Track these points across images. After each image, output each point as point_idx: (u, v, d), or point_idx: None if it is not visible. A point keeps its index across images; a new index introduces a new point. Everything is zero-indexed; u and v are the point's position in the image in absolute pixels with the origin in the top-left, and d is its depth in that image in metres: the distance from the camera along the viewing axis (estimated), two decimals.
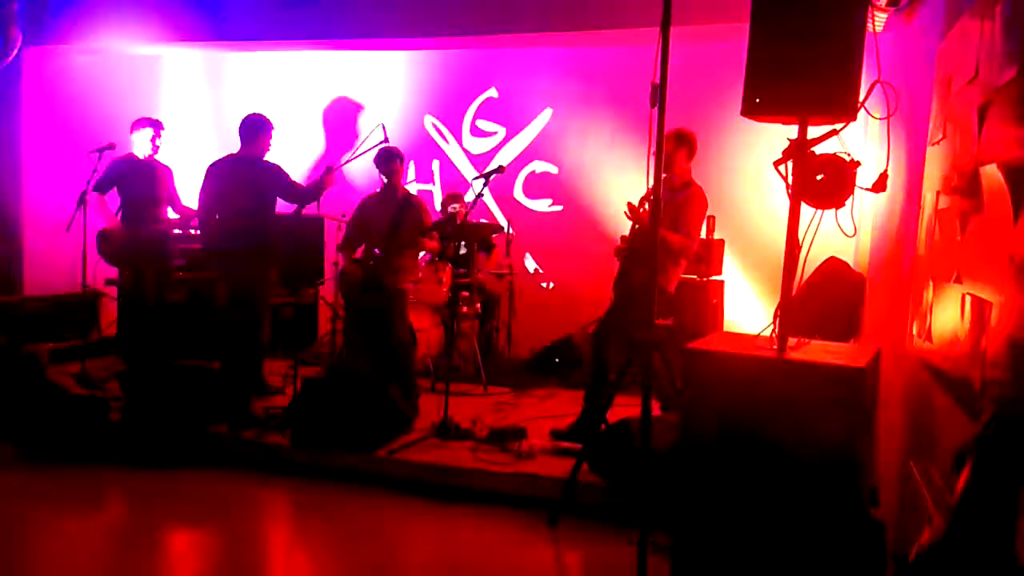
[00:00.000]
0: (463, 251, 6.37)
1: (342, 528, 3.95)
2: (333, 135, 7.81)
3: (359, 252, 5.50)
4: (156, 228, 5.84)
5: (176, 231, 6.16)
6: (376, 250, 5.30)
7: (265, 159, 5.15)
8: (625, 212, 4.49)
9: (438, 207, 7.57)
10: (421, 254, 5.90)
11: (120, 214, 5.78)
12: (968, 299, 2.07)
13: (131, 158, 5.80)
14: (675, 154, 4.55)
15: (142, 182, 5.76)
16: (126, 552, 3.75)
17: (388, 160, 5.28)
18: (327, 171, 5.17)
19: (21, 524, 3.99)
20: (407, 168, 7.68)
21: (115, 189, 5.75)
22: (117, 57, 7.55)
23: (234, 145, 5.15)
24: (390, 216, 5.26)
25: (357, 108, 7.83)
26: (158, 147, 5.85)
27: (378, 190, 5.42)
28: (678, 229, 4.45)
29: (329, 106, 7.91)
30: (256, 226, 5.04)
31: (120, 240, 5.72)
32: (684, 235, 4.46)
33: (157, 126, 5.84)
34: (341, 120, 7.82)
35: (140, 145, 5.80)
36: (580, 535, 3.82)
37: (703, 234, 6.15)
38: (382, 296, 5.20)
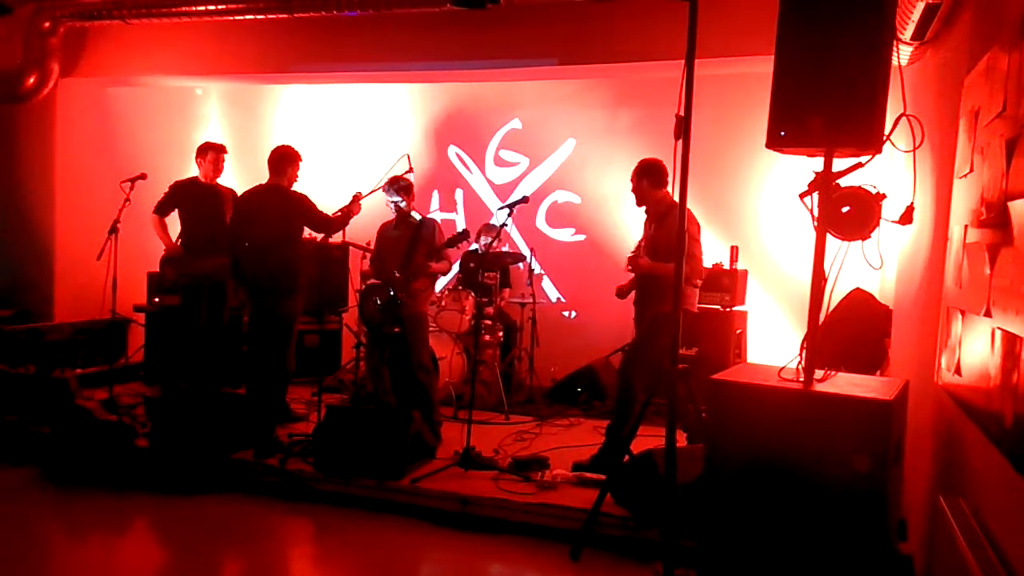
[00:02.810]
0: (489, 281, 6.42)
1: (364, 556, 3.95)
2: None
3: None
4: (222, 259, 5.92)
5: None
6: (394, 274, 5.36)
7: (293, 189, 5.24)
8: (626, 267, 4.67)
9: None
10: (444, 279, 5.93)
11: (182, 238, 5.91)
12: (999, 333, 2.05)
13: (193, 181, 5.95)
14: (639, 187, 4.65)
15: (201, 206, 5.89)
16: None
17: (395, 192, 5.33)
18: (353, 199, 5.23)
19: (45, 549, 4.03)
20: (430, 197, 7.79)
21: (177, 212, 5.90)
22: (149, 88, 7.72)
23: (264, 176, 5.24)
24: (406, 240, 5.33)
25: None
26: (220, 170, 5.98)
27: (395, 216, 5.49)
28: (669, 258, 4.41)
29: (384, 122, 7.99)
30: (283, 254, 5.11)
31: (183, 267, 5.84)
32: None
33: (220, 150, 5.98)
34: None
35: (204, 169, 5.93)
36: (603, 567, 3.79)
37: (727, 264, 6.20)
38: (401, 320, 5.26)
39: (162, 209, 5.87)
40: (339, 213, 5.20)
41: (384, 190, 5.33)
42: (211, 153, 5.93)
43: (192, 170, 6.03)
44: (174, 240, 5.98)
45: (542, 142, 7.51)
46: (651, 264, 4.54)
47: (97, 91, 7.59)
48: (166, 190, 5.91)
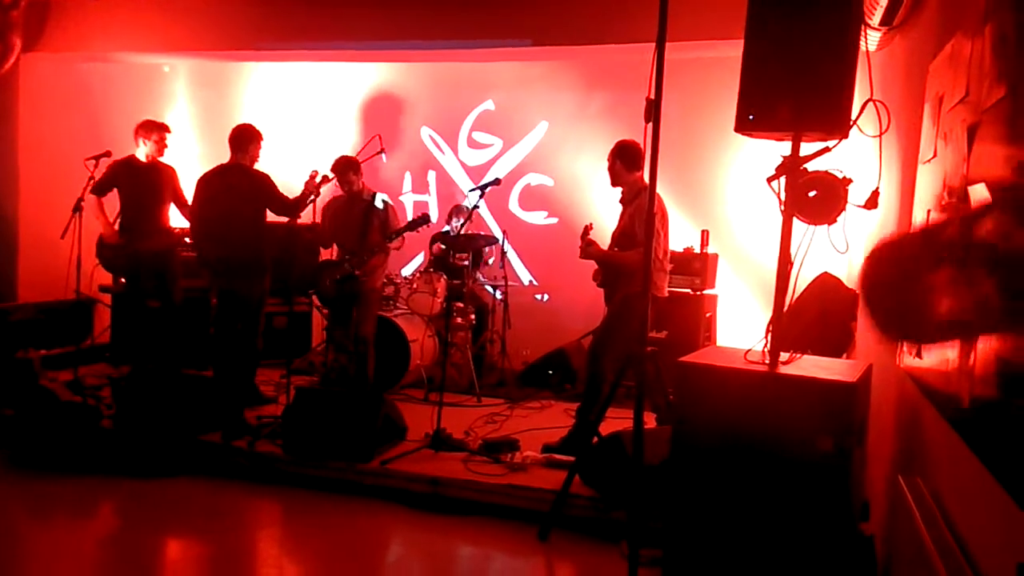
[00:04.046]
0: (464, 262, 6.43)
1: (333, 538, 3.95)
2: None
3: (333, 253, 5.62)
4: (159, 241, 5.81)
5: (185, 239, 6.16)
6: (348, 250, 5.39)
7: (255, 168, 5.18)
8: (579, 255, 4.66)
9: (435, 218, 7.61)
10: (414, 262, 5.95)
11: (119, 219, 5.78)
12: None
13: (131, 161, 5.77)
14: (613, 168, 4.65)
15: (142, 186, 5.75)
16: (114, 561, 3.74)
17: (343, 171, 5.37)
18: (310, 178, 5.17)
19: (9, 531, 3.98)
20: (402, 178, 7.75)
21: (116, 192, 5.76)
22: (115, 65, 7.57)
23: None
24: (359, 218, 5.34)
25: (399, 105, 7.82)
26: (163, 151, 5.82)
27: (343, 194, 5.54)
28: (635, 243, 4.42)
29: (355, 102, 7.91)
30: (248, 234, 5.06)
31: (119, 249, 5.73)
32: (637, 249, 4.40)
33: (162, 129, 5.82)
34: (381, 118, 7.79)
35: (143, 148, 5.77)
36: (571, 547, 3.82)
37: (698, 248, 6.24)
38: (355, 295, 5.31)
39: (100, 189, 5.67)
40: (299, 195, 5.16)
41: (334, 170, 5.34)
42: (157, 132, 5.76)
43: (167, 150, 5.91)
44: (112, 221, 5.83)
45: (515, 124, 7.49)
46: (600, 252, 4.62)
47: (62, 67, 7.42)
48: (104, 170, 5.70)
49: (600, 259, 4.67)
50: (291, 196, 5.23)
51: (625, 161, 4.61)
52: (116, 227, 5.77)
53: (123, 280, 6.23)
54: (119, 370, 6.15)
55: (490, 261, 6.98)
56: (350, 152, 5.82)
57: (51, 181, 6.97)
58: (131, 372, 5.34)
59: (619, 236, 4.67)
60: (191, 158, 7.86)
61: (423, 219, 5.32)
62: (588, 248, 4.63)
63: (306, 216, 5.34)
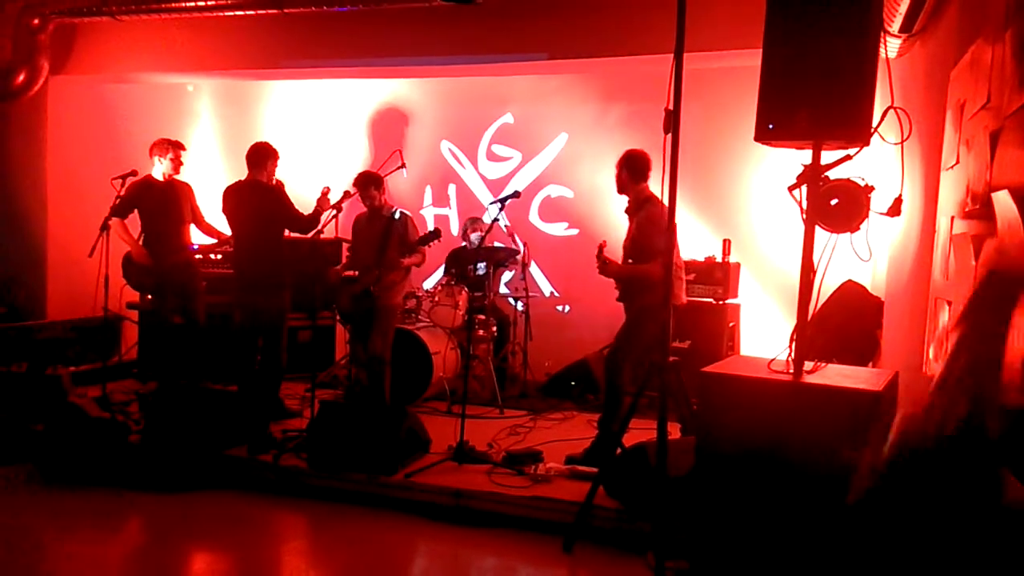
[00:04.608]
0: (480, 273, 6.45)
1: (358, 551, 3.96)
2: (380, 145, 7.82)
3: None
4: (180, 258, 5.89)
5: (199, 256, 6.25)
6: (366, 266, 5.43)
7: (271, 185, 5.25)
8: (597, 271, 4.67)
9: (455, 231, 7.65)
10: (435, 276, 5.97)
11: (142, 238, 5.86)
12: None
13: (149, 180, 5.83)
14: (620, 177, 4.67)
15: (161, 204, 5.81)
16: (141, 574, 3.78)
17: (365, 186, 5.41)
18: (322, 195, 5.23)
19: (38, 546, 4.02)
20: (423, 192, 7.80)
21: (136, 213, 5.84)
22: (140, 85, 7.70)
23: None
24: (379, 234, 5.37)
25: (404, 118, 7.92)
26: (179, 168, 5.89)
27: (368, 210, 5.58)
28: (645, 253, 4.45)
29: (376, 117, 8.01)
30: (265, 250, 5.12)
31: (144, 268, 5.81)
32: (651, 259, 4.43)
33: (177, 147, 5.87)
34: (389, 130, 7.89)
35: (160, 167, 5.83)
36: (596, 559, 3.81)
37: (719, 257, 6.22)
38: (372, 310, 5.33)
39: (123, 211, 5.69)
40: (312, 212, 5.22)
41: (356, 185, 5.38)
42: (172, 150, 5.82)
43: (184, 167, 5.99)
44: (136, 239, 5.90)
45: (534, 136, 7.51)
46: (617, 269, 4.63)
47: (88, 88, 7.56)
48: (122, 192, 5.70)
49: (618, 275, 4.66)
50: (308, 212, 5.28)
51: (631, 171, 4.63)
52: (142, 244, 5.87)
53: (150, 297, 6.32)
54: (147, 386, 6.23)
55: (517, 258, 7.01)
56: (370, 167, 5.87)
57: (78, 200, 7.10)
58: (158, 388, 5.39)
59: (630, 246, 4.67)
60: (215, 175, 7.98)
61: (434, 234, 5.34)
62: (605, 267, 4.63)
63: (329, 232, 5.39)
